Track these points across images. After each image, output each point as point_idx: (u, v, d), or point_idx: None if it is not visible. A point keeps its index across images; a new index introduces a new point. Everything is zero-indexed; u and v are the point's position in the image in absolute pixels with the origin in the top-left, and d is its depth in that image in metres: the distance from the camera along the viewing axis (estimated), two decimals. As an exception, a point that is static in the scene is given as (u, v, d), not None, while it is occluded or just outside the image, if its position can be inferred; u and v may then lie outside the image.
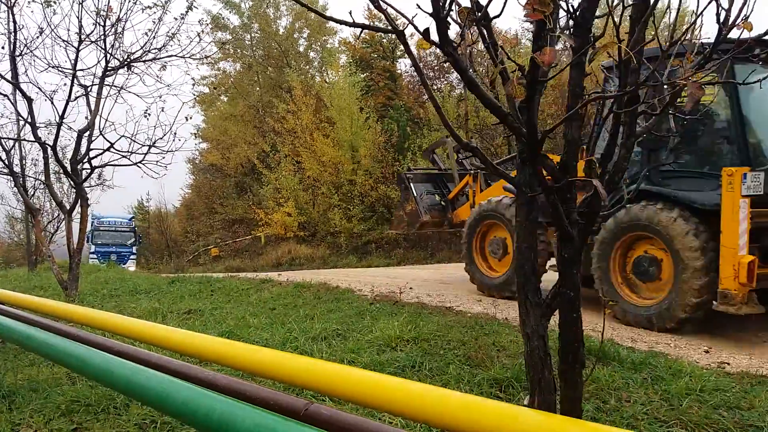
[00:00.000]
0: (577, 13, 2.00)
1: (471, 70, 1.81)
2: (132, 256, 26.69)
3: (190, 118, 12.25)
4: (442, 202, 11.14)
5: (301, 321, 6.87)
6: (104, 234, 26.51)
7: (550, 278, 11.30)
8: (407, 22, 2.39)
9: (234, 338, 5.72)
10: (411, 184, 11.17)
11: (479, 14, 2.10)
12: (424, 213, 10.88)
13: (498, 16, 2.38)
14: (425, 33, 1.79)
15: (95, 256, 24.70)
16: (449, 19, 1.80)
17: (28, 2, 9.07)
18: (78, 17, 8.98)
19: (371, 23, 23.15)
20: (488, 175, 10.23)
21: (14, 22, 8.91)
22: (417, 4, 1.80)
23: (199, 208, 32.82)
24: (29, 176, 13.28)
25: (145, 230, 34.02)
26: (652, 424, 3.58)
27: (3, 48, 9.29)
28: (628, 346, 5.61)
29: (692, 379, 4.28)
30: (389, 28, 2.35)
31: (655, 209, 6.52)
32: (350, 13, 2.32)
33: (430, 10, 1.75)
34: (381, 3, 2.34)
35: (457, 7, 1.97)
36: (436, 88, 35.21)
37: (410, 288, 9.33)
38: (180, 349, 3.10)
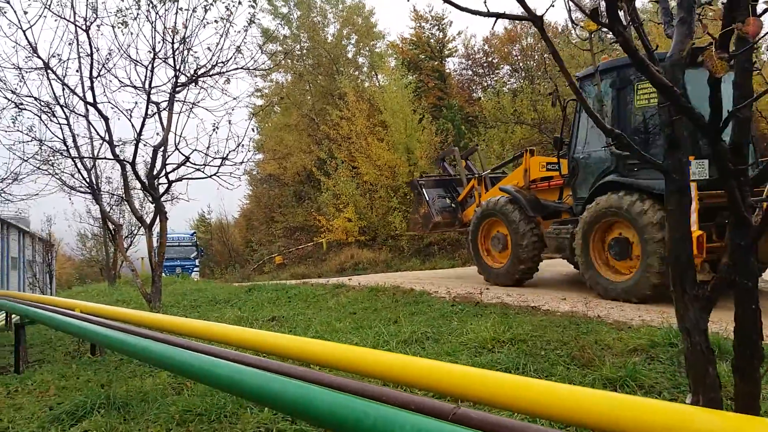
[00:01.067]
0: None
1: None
2: (195, 268, 28.74)
3: (255, 129, 12.48)
4: (453, 205, 12.15)
5: (386, 324, 6.83)
6: (169, 249, 27.33)
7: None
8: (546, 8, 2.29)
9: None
10: (423, 190, 12.34)
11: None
12: (436, 214, 11.97)
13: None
14: (594, 13, 1.70)
15: (164, 271, 25.67)
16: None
17: (98, 26, 9.38)
18: (150, 37, 9.24)
19: (419, 24, 22.87)
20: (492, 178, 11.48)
21: (90, 44, 9.23)
22: (588, -16, 1.70)
23: (259, 217, 33.42)
24: (105, 192, 13.75)
25: (208, 242, 34.94)
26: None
27: (77, 71, 9.63)
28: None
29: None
30: (524, 15, 2.26)
31: (620, 196, 7.64)
32: (485, 2, 2.25)
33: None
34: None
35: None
36: (486, 84, 34.89)
37: (487, 288, 9.17)
38: (307, 358, 3.10)
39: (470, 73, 36.48)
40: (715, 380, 2.23)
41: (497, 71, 35.65)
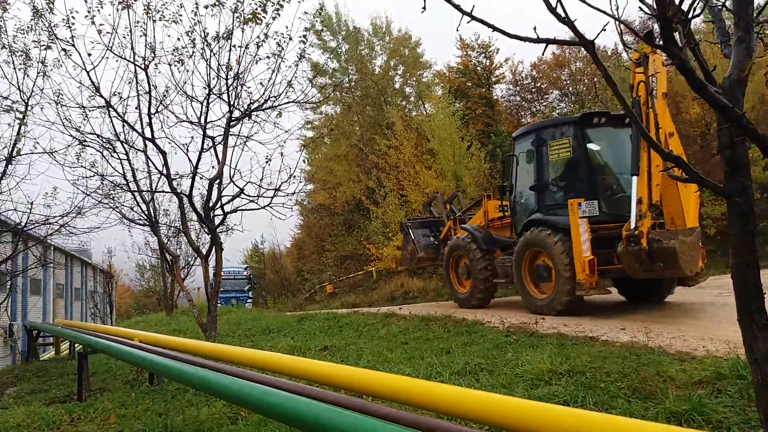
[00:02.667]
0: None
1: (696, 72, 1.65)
2: (249, 300, 30.54)
3: (305, 161, 12.72)
4: (436, 242, 13.94)
5: (438, 355, 6.74)
6: (225, 282, 29.61)
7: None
8: (597, 33, 2.26)
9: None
10: (410, 230, 14.44)
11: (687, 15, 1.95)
12: (420, 250, 13.90)
13: (698, 15, 2.21)
14: (648, 36, 1.66)
15: (219, 302, 27.10)
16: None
17: (156, 64, 9.80)
18: (205, 74, 9.61)
19: (465, 53, 23.09)
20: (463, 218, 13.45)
21: (148, 82, 9.65)
22: (639, 6, 1.68)
23: (310, 247, 33.82)
24: (164, 225, 14.19)
25: (261, 271, 35.52)
26: None
27: (137, 108, 10.06)
28: None
29: None
30: (576, 40, 2.24)
31: (539, 231, 9.57)
32: (534, 29, 2.25)
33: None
34: (561, 14, 2.24)
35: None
36: (535, 110, 34.61)
37: (543, 318, 8.94)
38: (360, 388, 3.08)
39: (518, 99, 36.33)
40: (791, 415, 2.10)
41: (546, 96, 35.38)
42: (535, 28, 2.33)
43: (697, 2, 1.91)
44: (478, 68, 34.14)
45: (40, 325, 14.24)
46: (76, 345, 8.84)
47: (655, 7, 1.65)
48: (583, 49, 2.28)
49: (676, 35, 1.76)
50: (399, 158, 25.90)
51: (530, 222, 9.98)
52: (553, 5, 2.22)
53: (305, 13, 9.81)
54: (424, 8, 2.09)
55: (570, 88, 33.74)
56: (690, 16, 1.84)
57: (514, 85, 35.96)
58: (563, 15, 2.20)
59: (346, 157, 32.49)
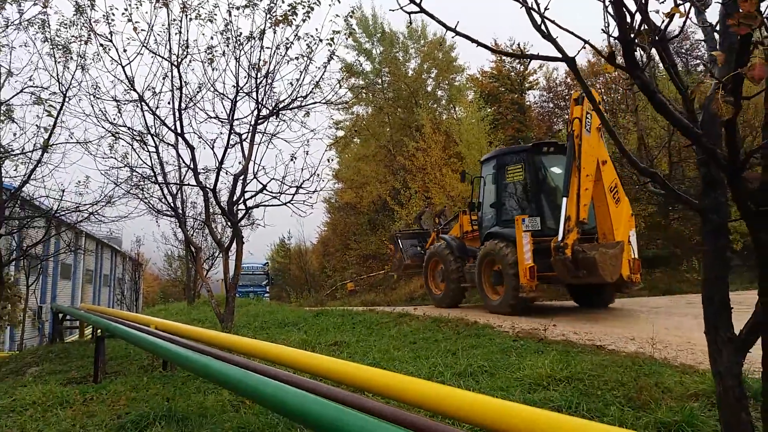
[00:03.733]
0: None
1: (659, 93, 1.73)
2: (266, 294, 31.83)
3: (332, 160, 12.94)
4: (422, 252, 15.17)
5: (443, 356, 6.83)
6: (244, 277, 32.93)
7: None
8: (578, 50, 2.35)
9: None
10: (399, 240, 16.18)
11: (657, 36, 2.02)
12: (407, 258, 15.49)
13: (677, 36, 2.28)
14: (610, 57, 1.75)
15: (238, 294, 28.30)
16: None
17: (188, 62, 10.08)
18: (235, 72, 9.83)
19: (500, 58, 23.15)
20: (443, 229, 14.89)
21: (180, 78, 9.91)
22: (602, 29, 1.77)
23: (335, 244, 34.11)
24: (189, 217, 14.53)
25: (286, 266, 35.92)
26: None
27: (169, 103, 10.35)
28: None
29: None
30: (559, 56, 2.32)
31: (495, 243, 11.17)
32: (519, 45, 2.37)
33: (615, 34, 1.71)
34: (545, 32, 2.33)
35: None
36: (568, 116, 34.26)
37: (554, 325, 8.95)
38: (350, 381, 3.21)
39: (551, 105, 36.02)
40: (748, 426, 2.15)
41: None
42: (518, 44, 2.42)
43: (668, 25, 1.98)
44: (512, 73, 33.97)
45: (65, 309, 14.72)
46: (99, 330, 9.16)
47: (617, 29, 1.74)
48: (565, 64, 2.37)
49: (638, 56, 1.84)
50: (426, 160, 25.94)
51: (489, 234, 11.70)
52: (539, 23, 2.32)
53: (336, 15, 9.94)
54: (410, 23, 2.21)
55: (604, 97, 33.33)
56: (658, 39, 1.91)
57: (548, 91, 35.67)
58: (546, 32, 2.29)
59: (375, 157, 32.66)
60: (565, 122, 33.61)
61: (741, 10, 1.44)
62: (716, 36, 2.72)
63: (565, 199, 9.85)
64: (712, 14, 3.29)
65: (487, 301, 11.46)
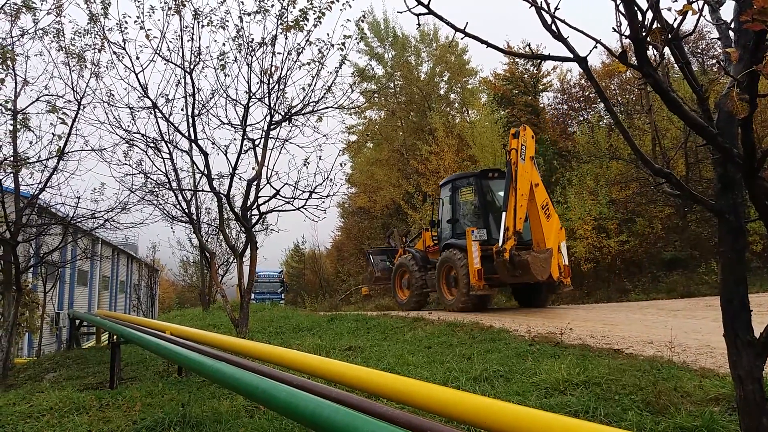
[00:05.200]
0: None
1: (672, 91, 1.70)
2: (281, 300, 33.24)
3: (344, 164, 12.95)
4: (390, 266, 17.22)
5: (458, 360, 6.78)
6: (261, 284, 34.32)
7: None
8: (590, 49, 2.32)
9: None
10: (371, 256, 18.69)
11: (671, 35, 1.99)
12: (378, 272, 17.76)
13: (690, 34, 2.25)
14: (622, 56, 1.72)
15: (254, 300, 29.18)
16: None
17: (201, 69, 10.14)
18: (247, 78, 9.87)
19: (513, 60, 23.14)
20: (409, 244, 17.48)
21: (193, 85, 9.97)
22: (613, 28, 1.74)
23: (349, 249, 34.15)
24: (204, 223, 14.60)
25: (301, 271, 36.04)
26: None
27: (182, 110, 10.41)
28: None
29: None
30: (570, 57, 2.29)
31: (450, 252, 13.32)
32: (528, 45, 2.34)
33: (627, 33, 1.67)
34: (555, 32, 2.30)
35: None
36: (582, 118, 34.02)
37: (570, 329, 8.85)
38: (355, 384, 3.19)
39: (565, 107, 35.79)
40: (771, 433, 2.10)
41: (594, 105, 34.71)
42: (528, 45, 2.40)
43: (680, 23, 1.95)
44: (525, 76, 33.82)
45: (81, 315, 14.86)
46: (114, 336, 9.22)
47: (628, 28, 1.71)
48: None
49: (651, 54, 1.80)
50: (439, 164, 25.91)
51: (446, 245, 13.89)
52: (549, 23, 2.29)
53: (348, 20, 9.95)
54: (419, 25, 2.19)
55: (619, 98, 33.03)
56: (671, 37, 1.88)
57: (562, 93, 35.44)
58: (557, 32, 2.26)
59: (388, 161, 32.69)
60: (580, 124, 33.47)
61: (755, 6, 1.40)
62: (731, 34, 2.67)
63: (504, 213, 12.12)
64: (727, 12, 3.24)
65: (444, 300, 13.56)
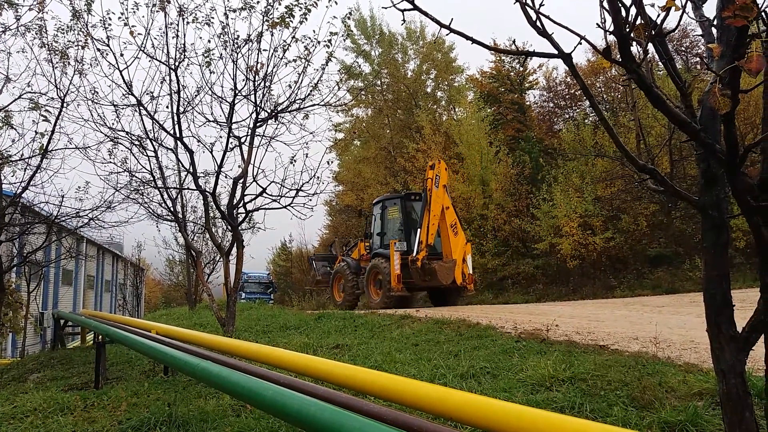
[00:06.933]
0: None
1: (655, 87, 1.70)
2: (270, 300, 33.96)
3: (331, 162, 12.91)
4: (330, 271, 19.37)
5: (445, 357, 6.80)
6: (250, 285, 37.37)
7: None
8: (574, 46, 2.32)
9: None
10: (313, 262, 21.15)
11: (654, 31, 2.00)
12: (318, 275, 19.91)
13: (674, 30, 2.26)
14: (606, 52, 1.73)
15: (243, 300, 29.69)
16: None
17: (186, 66, 10.05)
18: (233, 75, 9.79)
19: (499, 58, 23.35)
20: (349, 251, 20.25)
21: (178, 82, 9.88)
22: (597, 24, 1.74)
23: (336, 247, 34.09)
24: (190, 221, 14.50)
25: (288, 270, 35.94)
26: None
27: (168, 107, 10.31)
28: None
29: None
30: (555, 53, 2.30)
31: (378, 260, 16.03)
32: (513, 41, 2.34)
33: (611, 29, 1.68)
34: (540, 28, 2.30)
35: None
36: (568, 116, 34.25)
37: (556, 325, 8.90)
38: (341, 382, 3.18)
39: (551, 105, 36.00)
40: (752, 425, 2.12)
41: (579, 103, 34.95)
42: (514, 41, 2.40)
43: (664, 20, 1.96)
44: (512, 73, 33.95)
45: (66, 315, 14.70)
46: (99, 335, 9.13)
47: (612, 24, 1.71)
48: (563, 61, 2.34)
49: (635, 51, 1.81)
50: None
51: (375, 254, 16.68)
52: (533, 19, 2.29)
53: (334, 17, 9.92)
54: (403, 20, 2.18)
55: (604, 95, 33.27)
56: (655, 34, 1.89)
57: (548, 91, 35.64)
58: (542, 28, 2.27)
59: (375, 159, 32.68)
60: (565, 121, 33.67)
61: (737, 2, 1.41)
62: (714, 31, 2.69)
63: (419, 229, 15.23)
64: (710, 9, 3.26)
65: (370, 300, 16.08)
